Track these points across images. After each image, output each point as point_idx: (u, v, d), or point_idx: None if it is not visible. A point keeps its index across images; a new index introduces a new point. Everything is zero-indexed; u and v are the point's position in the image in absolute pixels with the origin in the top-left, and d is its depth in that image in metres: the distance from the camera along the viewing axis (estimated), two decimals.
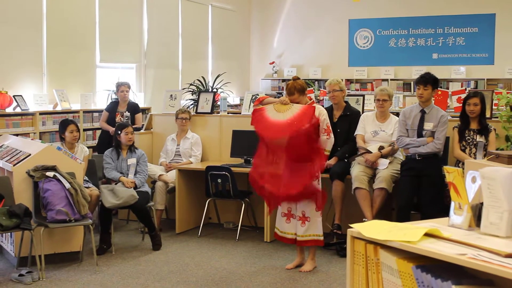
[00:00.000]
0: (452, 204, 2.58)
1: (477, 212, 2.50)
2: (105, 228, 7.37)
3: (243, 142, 8.25)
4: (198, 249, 7.37)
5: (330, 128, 6.49)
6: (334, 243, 7.32)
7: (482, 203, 2.48)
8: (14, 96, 9.07)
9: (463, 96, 7.78)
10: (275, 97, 11.47)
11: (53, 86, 10.11)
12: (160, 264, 6.83)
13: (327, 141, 6.45)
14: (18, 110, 9.08)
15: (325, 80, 10.89)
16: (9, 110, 8.97)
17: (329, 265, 6.77)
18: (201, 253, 7.20)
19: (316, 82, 15.56)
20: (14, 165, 6.70)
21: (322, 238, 6.53)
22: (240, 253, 7.23)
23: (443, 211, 5.14)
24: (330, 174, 7.34)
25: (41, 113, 9.36)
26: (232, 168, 7.81)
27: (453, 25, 14.90)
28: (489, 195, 2.43)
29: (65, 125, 7.65)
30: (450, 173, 2.54)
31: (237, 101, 14.37)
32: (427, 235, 2.34)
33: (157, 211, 8.07)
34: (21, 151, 7.06)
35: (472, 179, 2.59)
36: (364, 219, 6.67)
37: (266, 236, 7.73)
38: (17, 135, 8.40)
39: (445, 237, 2.34)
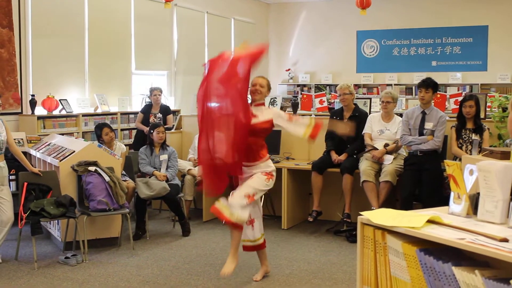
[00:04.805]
0: (452, 194, 2.57)
1: (474, 201, 2.49)
2: (140, 217, 7.40)
3: None
4: (222, 235, 7.37)
5: (290, 114, 5.83)
6: (344, 230, 7.31)
7: (478, 193, 2.47)
8: (60, 100, 9.13)
9: (459, 99, 7.73)
10: (290, 101, 11.47)
11: (94, 91, 10.15)
12: (189, 248, 6.85)
13: (296, 122, 5.42)
14: (63, 112, 9.14)
15: (336, 85, 10.84)
16: (55, 112, 9.03)
17: (340, 250, 6.75)
18: (225, 239, 7.19)
19: (328, 86, 15.50)
20: (60, 161, 6.76)
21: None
22: None
23: (442, 202, 5.12)
24: (341, 168, 7.33)
25: (84, 115, 9.42)
26: None
27: (450, 36, 14.78)
28: (485, 186, 2.42)
29: (100, 129, 7.68)
30: (450, 166, 2.54)
31: None
32: (429, 221, 2.34)
33: (186, 201, 8.09)
34: (66, 149, 7.11)
35: (469, 172, 2.58)
36: (372, 208, 6.65)
37: (284, 224, 7.72)
38: (62, 134, 8.46)
39: (446, 223, 2.33)
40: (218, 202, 5.36)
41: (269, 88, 5.59)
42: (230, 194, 5.39)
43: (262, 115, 5.40)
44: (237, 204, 5.28)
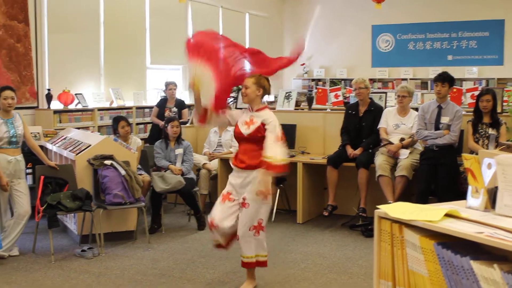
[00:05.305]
0: (470, 188, 2.55)
1: (492, 195, 2.47)
2: (156, 210, 7.44)
3: None
4: None
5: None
6: (360, 225, 7.30)
7: (497, 187, 2.44)
8: (75, 94, 9.19)
9: (476, 93, 7.69)
10: (305, 95, 11.44)
11: (109, 85, 10.20)
12: (205, 242, 6.86)
13: (277, 146, 4.94)
14: (79, 106, 9.20)
15: (351, 80, 10.82)
16: (71, 106, 9.08)
17: (355, 244, 6.75)
18: None
19: (342, 81, 15.46)
20: (76, 155, 6.80)
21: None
22: (275, 233, 7.22)
23: (458, 197, 5.11)
24: (356, 163, 7.32)
25: (99, 109, 9.46)
26: None
27: (466, 30, 14.70)
28: (503, 180, 2.40)
29: (117, 122, 7.73)
30: (468, 160, 2.52)
31: (272, 98, 14.32)
32: (447, 215, 2.32)
33: (202, 195, 8.12)
34: (82, 142, 7.15)
35: (488, 166, 2.55)
36: (389, 202, 6.63)
37: (299, 218, 7.73)
38: (78, 128, 8.51)
39: (464, 217, 2.32)
40: (243, 257, 5.22)
41: (260, 86, 5.09)
42: (236, 237, 5.23)
43: (259, 122, 5.05)
44: (251, 246, 5.18)
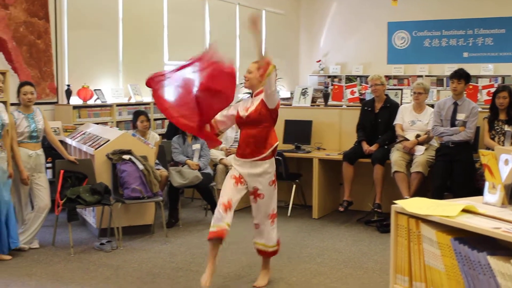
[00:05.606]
0: (486, 184, 2.54)
1: (509, 191, 2.46)
2: (173, 205, 7.46)
3: (294, 130, 8.24)
4: None
5: None
6: (375, 220, 7.28)
7: None
8: (94, 90, 9.22)
9: (492, 90, 7.63)
10: (321, 92, 11.42)
11: (127, 81, 10.23)
12: None
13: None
14: (98, 102, 9.23)
15: (366, 76, 10.77)
16: (90, 102, 9.11)
17: (370, 240, 6.73)
18: None
19: (358, 78, 15.42)
20: (95, 149, 6.84)
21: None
22: (291, 228, 7.23)
23: (473, 193, 5.07)
24: (372, 159, 7.30)
25: (118, 105, 9.49)
26: (284, 153, 7.81)
27: (482, 27, 14.58)
28: None
29: (137, 116, 7.79)
30: (485, 156, 2.50)
31: (288, 95, 14.35)
32: (464, 211, 2.32)
33: (218, 190, 8.11)
34: (101, 137, 7.18)
35: (505, 162, 2.54)
36: (405, 197, 6.60)
37: (315, 214, 7.73)
38: (97, 123, 8.55)
39: (481, 212, 2.31)
40: (259, 245, 5.30)
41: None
42: (254, 226, 5.32)
43: (258, 100, 4.95)
44: (271, 233, 5.28)
